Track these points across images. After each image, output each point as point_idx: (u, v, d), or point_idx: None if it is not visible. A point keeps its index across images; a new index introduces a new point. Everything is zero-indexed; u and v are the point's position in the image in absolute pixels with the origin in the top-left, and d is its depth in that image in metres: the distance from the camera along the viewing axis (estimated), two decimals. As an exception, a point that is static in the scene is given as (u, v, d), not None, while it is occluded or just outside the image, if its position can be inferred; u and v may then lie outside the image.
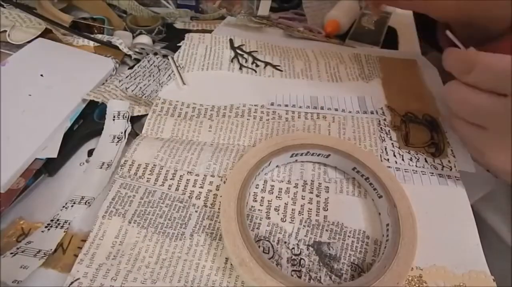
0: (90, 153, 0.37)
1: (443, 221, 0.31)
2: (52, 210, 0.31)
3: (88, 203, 0.31)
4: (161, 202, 0.30)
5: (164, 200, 0.31)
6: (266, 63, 0.45)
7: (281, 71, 0.45)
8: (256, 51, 0.48)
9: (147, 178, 0.32)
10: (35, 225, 0.31)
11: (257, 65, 0.46)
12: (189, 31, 0.52)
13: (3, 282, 0.26)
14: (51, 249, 0.28)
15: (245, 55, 0.47)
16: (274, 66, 0.45)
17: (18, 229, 0.31)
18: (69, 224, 0.30)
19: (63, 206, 0.31)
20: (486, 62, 0.27)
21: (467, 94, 0.28)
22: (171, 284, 0.26)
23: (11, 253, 0.28)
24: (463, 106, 0.29)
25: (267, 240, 0.29)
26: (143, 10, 0.54)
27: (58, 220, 0.30)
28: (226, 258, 0.28)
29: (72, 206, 0.31)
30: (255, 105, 0.40)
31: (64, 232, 0.29)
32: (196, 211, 0.30)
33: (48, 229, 0.30)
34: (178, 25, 0.54)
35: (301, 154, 0.33)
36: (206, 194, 0.31)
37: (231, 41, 0.49)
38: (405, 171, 0.34)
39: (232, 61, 0.47)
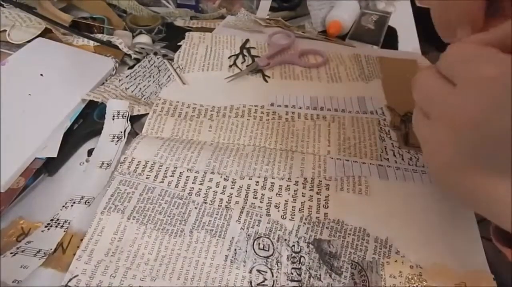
0: (90, 152, 0.37)
1: (443, 220, 0.31)
2: (52, 210, 0.31)
3: (88, 202, 0.31)
4: (160, 198, 0.30)
5: (163, 196, 0.31)
6: (259, 70, 0.45)
7: (267, 82, 0.45)
8: (258, 57, 0.48)
9: (147, 175, 0.32)
10: (35, 225, 0.31)
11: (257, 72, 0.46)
12: (189, 29, 0.52)
13: (3, 282, 0.26)
14: (51, 249, 0.28)
15: (247, 57, 0.47)
16: (264, 75, 0.45)
17: (18, 229, 0.31)
18: (69, 223, 0.30)
19: (63, 206, 0.31)
20: (450, 48, 0.23)
21: (428, 80, 0.25)
22: (170, 282, 0.26)
23: (11, 253, 0.28)
24: (420, 92, 0.25)
25: (267, 237, 0.29)
26: (143, 9, 0.54)
27: (58, 220, 0.30)
28: (225, 256, 0.28)
29: (72, 205, 0.31)
30: (255, 106, 0.40)
31: (64, 232, 0.29)
32: (195, 208, 0.30)
33: (48, 229, 0.30)
34: (178, 22, 0.54)
35: None
36: (206, 191, 0.31)
37: (247, 41, 0.50)
38: (405, 171, 0.34)
39: (229, 58, 0.47)
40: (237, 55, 0.47)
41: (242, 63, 0.46)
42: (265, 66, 0.45)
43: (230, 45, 0.49)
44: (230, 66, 0.46)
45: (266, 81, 0.44)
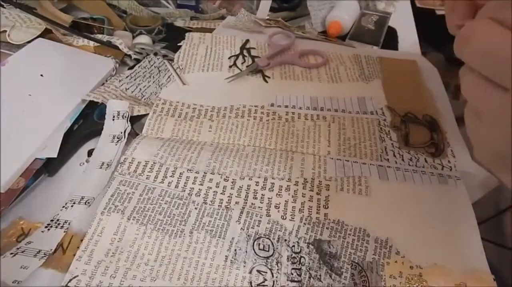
0: (90, 153, 0.37)
1: (443, 220, 0.31)
2: (52, 210, 0.31)
3: (88, 203, 0.31)
4: (160, 199, 0.30)
5: (163, 197, 0.31)
6: (259, 70, 0.45)
7: (267, 82, 0.45)
8: (259, 57, 0.47)
9: (147, 175, 0.32)
10: (35, 225, 0.31)
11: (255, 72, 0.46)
12: (189, 29, 0.52)
13: (3, 282, 0.26)
14: (51, 249, 0.28)
15: (248, 57, 0.47)
16: (264, 76, 0.45)
17: (18, 229, 0.31)
18: (69, 224, 0.30)
19: (63, 206, 0.31)
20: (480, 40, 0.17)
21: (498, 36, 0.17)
22: (170, 282, 0.26)
23: (11, 254, 0.28)
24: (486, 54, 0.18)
25: (267, 238, 0.29)
26: (143, 10, 0.54)
27: (58, 220, 0.30)
28: (226, 256, 0.28)
29: (72, 206, 0.31)
30: (255, 106, 0.40)
31: (64, 232, 0.29)
32: (195, 208, 0.30)
33: (48, 229, 0.30)
34: (178, 23, 0.54)
35: None
36: (206, 191, 0.31)
37: (247, 41, 0.50)
38: (405, 171, 0.34)
39: (229, 58, 0.47)
40: (237, 56, 0.47)
41: (242, 63, 0.46)
42: (265, 66, 0.45)
43: (230, 45, 0.49)
44: (230, 66, 0.46)
45: (266, 81, 0.44)
